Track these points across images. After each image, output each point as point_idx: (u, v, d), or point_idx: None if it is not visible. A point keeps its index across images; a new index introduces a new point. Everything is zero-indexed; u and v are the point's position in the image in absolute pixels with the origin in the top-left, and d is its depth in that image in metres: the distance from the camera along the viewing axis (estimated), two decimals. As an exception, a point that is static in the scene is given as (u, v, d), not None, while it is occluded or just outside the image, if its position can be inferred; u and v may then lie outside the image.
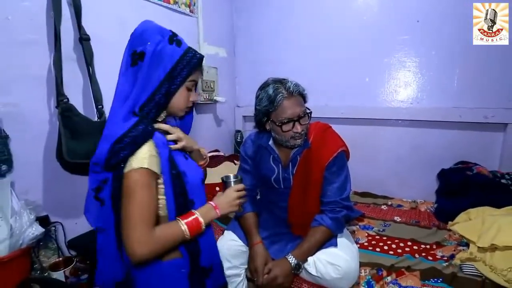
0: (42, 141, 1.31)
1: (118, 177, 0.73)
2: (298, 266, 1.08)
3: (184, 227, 0.75)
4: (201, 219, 0.79)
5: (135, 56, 0.74)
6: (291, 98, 1.07)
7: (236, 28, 2.62)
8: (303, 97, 1.12)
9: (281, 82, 1.10)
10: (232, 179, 0.96)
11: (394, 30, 1.94)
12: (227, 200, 0.88)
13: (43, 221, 1.24)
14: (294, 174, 1.20)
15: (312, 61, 2.22)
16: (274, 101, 1.06)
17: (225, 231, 1.29)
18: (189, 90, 0.82)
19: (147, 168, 0.71)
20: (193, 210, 0.81)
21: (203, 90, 2.19)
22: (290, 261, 1.07)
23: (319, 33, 2.20)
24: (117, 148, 0.70)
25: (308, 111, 1.12)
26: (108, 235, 0.80)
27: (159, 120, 0.83)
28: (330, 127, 1.26)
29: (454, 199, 1.63)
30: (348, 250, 1.12)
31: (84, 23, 1.36)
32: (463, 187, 1.62)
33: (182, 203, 0.78)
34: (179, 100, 0.81)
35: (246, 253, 1.19)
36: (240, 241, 1.21)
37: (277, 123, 1.09)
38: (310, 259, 1.10)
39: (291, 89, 1.07)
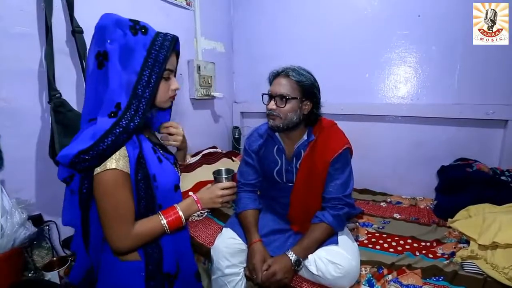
0: (34, 137, 1.28)
1: (87, 177, 0.72)
2: (299, 262, 1.06)
3: (163, 221, 0.77)
4: (181, 214, 0.80)
5: (100, 57, 0.70)
6: (277, 77, 1.16)
7: (234, 22, 2.58)
8: (300, 85, 1.11)
9: (291, 66, 1.17)
10: (223, 175, 0.96)
11: (395, 25, 1.91)
12: (209, 196, 0.88)
13: (36, 220, 1.22)
14: (299, 168, 1.19)
15: (311, 57, 2.18)
16: (270, 75, 1.20)
17: (224, 229, 1.27)
18: (166, 79, 0.79)
19: (118, 169, 0.70)
20: (175, 205, 0.82)
21: (200, 86, 2.15)
22: (290, 257, 1.05)
23: (318, 28, 2.16)
24: (82, 158, 0.66)
25: (287, 96, 1.10)
26: (77, 233, 0.82)
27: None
28: (336, 124, 1.25)
29: (454, 196, 1.62)
30: (349, 248, 1.11)
31: (76, 15, 1.31)
32: (463, 184, 1.61)
33: (144, 206, 0.76)
34: (159, 92, 0.78)
35: (245, 251, 1.17)
36: (239, 239, 1.19)
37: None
38: (310, 257, 1.08)
39: (282, 69, 1.15)
